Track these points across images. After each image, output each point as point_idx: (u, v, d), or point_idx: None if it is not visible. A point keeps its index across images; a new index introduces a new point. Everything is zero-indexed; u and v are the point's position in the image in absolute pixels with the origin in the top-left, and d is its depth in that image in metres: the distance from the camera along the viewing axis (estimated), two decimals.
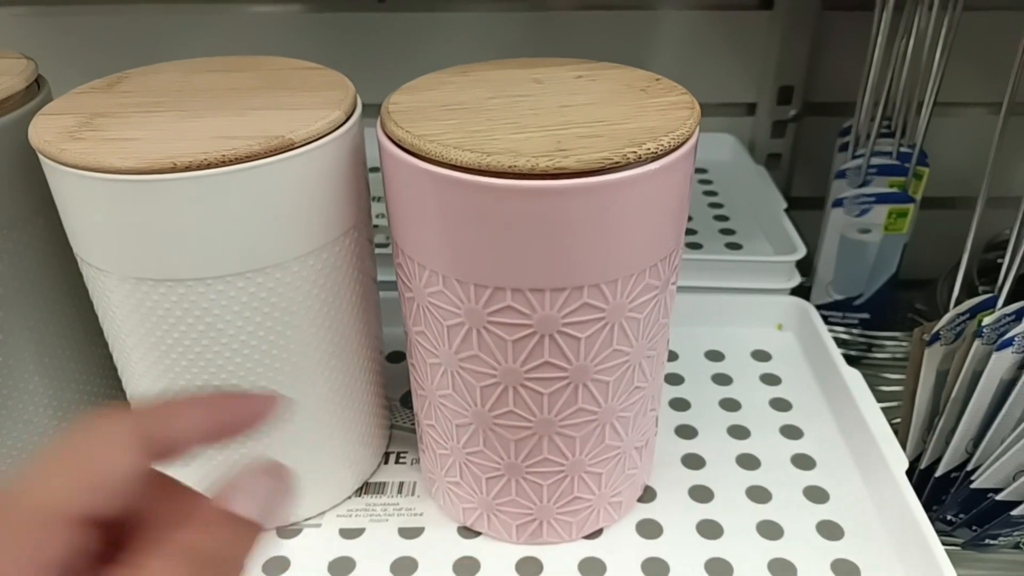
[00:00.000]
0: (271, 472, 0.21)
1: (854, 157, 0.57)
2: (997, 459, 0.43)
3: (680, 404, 0.48)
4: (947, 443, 0.46)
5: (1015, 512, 0.44)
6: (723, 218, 0.63)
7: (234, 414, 0.21)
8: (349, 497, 0.41)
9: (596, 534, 0.39)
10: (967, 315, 0.45)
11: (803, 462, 0.44)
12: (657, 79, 0.34)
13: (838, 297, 0.60)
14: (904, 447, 0.45)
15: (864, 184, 0.56)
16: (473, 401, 0.34)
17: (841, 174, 0.57)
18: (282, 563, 0.38)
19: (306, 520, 0.40)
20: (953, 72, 0.52)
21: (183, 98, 0.34)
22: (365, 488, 0.42)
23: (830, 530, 0.40)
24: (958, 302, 0.45)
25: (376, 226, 0.56)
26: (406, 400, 0.48)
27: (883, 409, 0.45)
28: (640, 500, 0.41)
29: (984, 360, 0.43)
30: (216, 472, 0.20)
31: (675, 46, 0.66)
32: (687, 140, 0.31)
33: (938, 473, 0.47)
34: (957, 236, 0.47)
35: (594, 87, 0.34)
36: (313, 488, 0.39)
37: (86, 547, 0.18)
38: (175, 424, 0.20)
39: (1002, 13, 0.61)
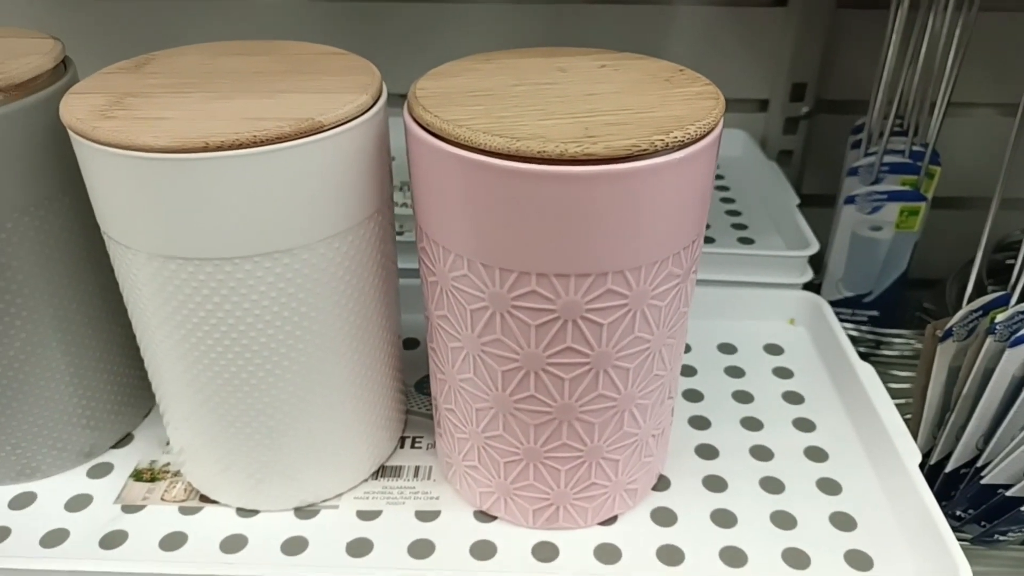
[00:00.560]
0: None
1: (866, 155, 0.57)
2: (1008, 455, 0.44)
3: (693, 395, 0.48)
4: (957, 439, 0.46)
5: None
6: (735, 212, 0.63)
7: None
8: (366, 480, 0.42)
9: (611, 520, 0.40)
10: (980, 312, 0.45)
11: (816, 454, 0.44)
12: (681, 70, 0.35)
13: (848, 294, 0.60)
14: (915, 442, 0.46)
15: (876, 182, 0.56)
16: (494, 385, 0.35)
17: (853, 171, 0.57)
18: (300, 543, 0.38)
19: (324, 501, 0.41)
20: (967, 72, 0.52)
21: (211, 79, 0.34)
22: (382, 471, 0.42)
23: (843, 521, 0.40)
24: (970, 300, 0.46)
25: None
26: (420, 386, 0.48)
27: None
28: (655, 488, 0.42)
29: (996, 357, 0.43)
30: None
31: (689, 41, 0.66)
32: (712, 129, 0.31)
33: (948, 469, 0.47)
34: (966, 236, 0.47)
35: (618, 76, 0.34)
36: (331, 469, 0.40)
37: None
38: None
39: (1018, 15, 0.61)
